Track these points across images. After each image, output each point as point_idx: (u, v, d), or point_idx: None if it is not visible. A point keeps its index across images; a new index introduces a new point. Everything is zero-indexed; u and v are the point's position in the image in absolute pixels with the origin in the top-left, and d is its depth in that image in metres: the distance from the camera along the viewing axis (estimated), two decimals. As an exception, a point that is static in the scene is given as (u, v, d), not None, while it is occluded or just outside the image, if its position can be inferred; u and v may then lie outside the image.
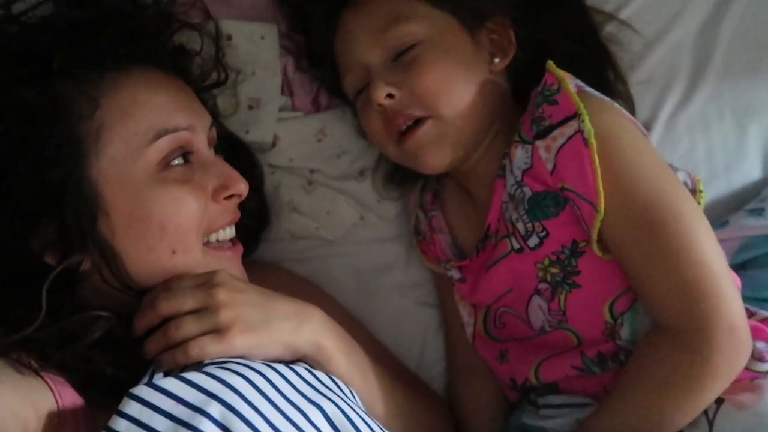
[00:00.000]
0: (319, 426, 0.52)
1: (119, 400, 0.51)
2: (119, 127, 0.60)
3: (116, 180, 0.60)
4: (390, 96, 0.69)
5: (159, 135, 0.61)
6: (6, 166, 0.57)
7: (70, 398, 0.57)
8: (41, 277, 0.57)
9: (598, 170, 0.62)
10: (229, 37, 0.80)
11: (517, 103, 0.75)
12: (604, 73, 0.78)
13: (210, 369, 0.53)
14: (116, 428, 0.49)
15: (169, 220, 0.61)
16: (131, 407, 0.50)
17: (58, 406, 0.55)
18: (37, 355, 0.57)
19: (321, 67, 0.81)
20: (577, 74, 0.69)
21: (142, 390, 0.51)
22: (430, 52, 0.69)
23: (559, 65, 0.68)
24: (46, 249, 0.60)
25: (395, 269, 0.86)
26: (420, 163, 0.72)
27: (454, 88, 0.69)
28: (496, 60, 0.72)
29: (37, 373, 0.55)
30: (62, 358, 0.57)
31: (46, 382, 0.56)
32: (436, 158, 0.71)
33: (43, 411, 0.54)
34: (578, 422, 0.67)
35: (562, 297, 0.68)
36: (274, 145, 0.84)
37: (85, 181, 0.59)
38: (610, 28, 0.81)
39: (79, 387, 0.58)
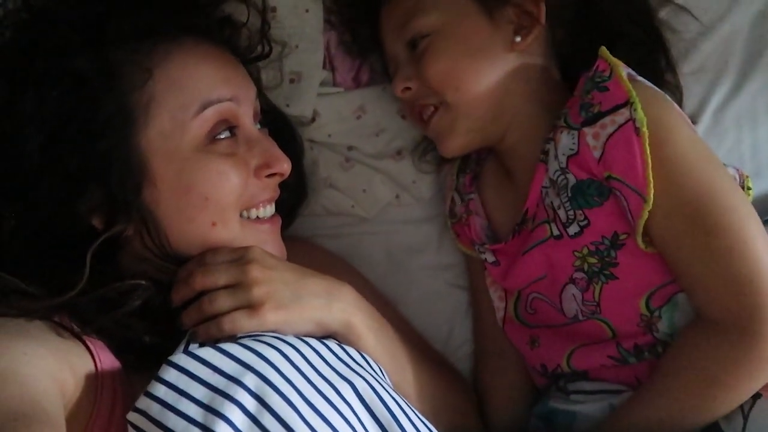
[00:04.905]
0: (349, 401, 0.53)
1: (155, 365, 0.53)
2: (168, 100, 0.61)
3: (163, 151, 0.61)
4: (408, 88, 0.73)
5: (204, 107, 0.61)
6: (58, 132, 0.58)
7: (109, 361, 0.58)
8: (86, 242, 0.59)
9: (649, 160, 0.61)
10: (274, 9, 0.80)
11: (566, 85, 0.74)
12: (657, 60, 0.76)
13: (245, 341, 0.54)
14: (155, 393, 0.51)
15: (212, 192, 0.61)
16: (169, 374, 0.51)
17: (96, 369, 0.57)
18: (78, 320, 0.58)
19: (368, 52, 0.83)
20: (630, 60, 0.68)
21: (180, 358, 0.52)
22: (438, 43, 0.70)
23: (613, 50, 0.67)
24: (93, 214, 0.61)
25: (427, 250, 0.86)
26: (439, 149, 0.76)
27: (462, 76, 0.70)
28: (518, 39, 0.71)
29: (77, 336, 0.57)
30: (102, 323, 0.59)
31: (86, 346, 0.57)
32: (451, 144, 0.74)
33: (82, 373, 0.55)
34: (610, 406, 0.67)
35: (598, 288, 0.67)
36: (313, 120, 0.84)
37: (132, 151, 0.60)
38: (664, 14, 0.79)
39: (116, 351, 0.60)
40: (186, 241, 0.62)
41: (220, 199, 0.62)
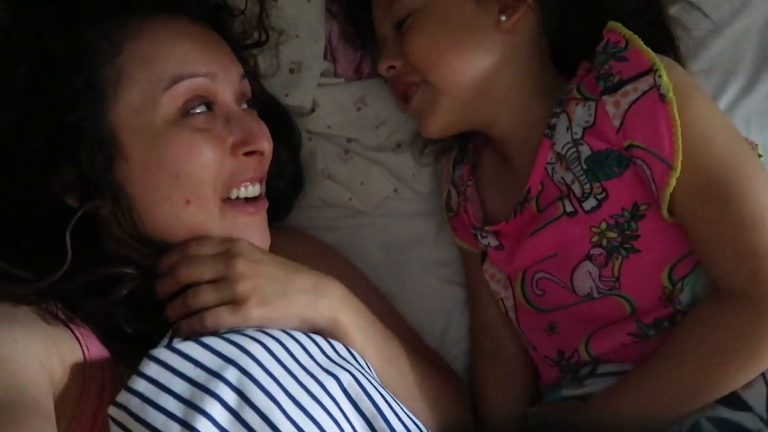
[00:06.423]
0: (334, 395, 0.53)
1: (142, 354, 0.52)
2: (138, 74, 0.59)
3: (134, 126, 0.59)
4: (393, 67, 0.72)
5: (174, 81, 0.60)
6: (27, 107, 0.58)
7: (96, 350, 0.58)
8: (65, 222, 0.58)
9: (678, 126, 0.60)
10: (276, -3, 0.79)
11: (556, 69, 0.73)
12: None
13: (228, 334, 0.54)
14: (135, 388, 0.50)
15: (182, 168, 0.60)
16: (150, 368, 0.51)
17: (84, 358, 0.56)
18: (65, 306, 0.58)
19: (370, 42, 0.81)
20: None
21: (161, 352, 0.52)
22: (419, 20, 0.69)
23: None
24: (67, 192, 0.60)
25: (424, 245, 0.85)
26: (420, 128, 0.74)
27: (443, 53, 0.69)
28: (503, 18, 0.69)
29: (65, 324, 0.57)
30: (89, 310, 0.58)
31: (74, 334, 0.57)
32: (431, 123, 0.72)
33: (70, 362, 0.55)
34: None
35: (617, 263, 0.66)
36: (312, 110, 0.83)
37: (102, 126, 0.59)
38: (674, 10, 0.76)
39: (104, 340, 0.59)
40: (161, 221, 0.61)
41: (192, 175, 0.60)
